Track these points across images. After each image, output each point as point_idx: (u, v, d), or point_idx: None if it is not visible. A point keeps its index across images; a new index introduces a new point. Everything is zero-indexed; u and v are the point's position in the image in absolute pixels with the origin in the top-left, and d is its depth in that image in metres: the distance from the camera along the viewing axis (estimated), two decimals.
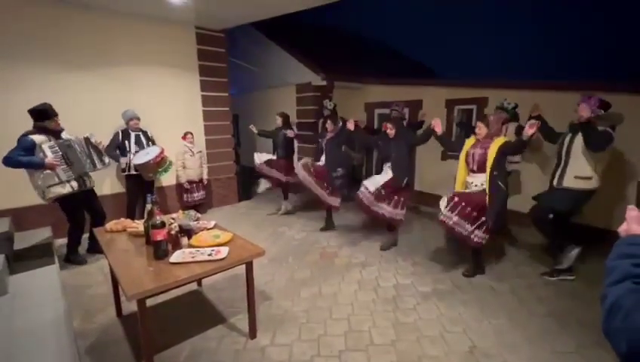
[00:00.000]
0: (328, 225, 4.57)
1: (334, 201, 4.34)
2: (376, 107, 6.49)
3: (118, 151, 4.17)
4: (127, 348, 2.27)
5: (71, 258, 3.57)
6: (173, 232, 2.15)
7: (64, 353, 1.66)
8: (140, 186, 4.23)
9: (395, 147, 3.68)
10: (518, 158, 3.96)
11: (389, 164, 3.77)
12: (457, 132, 5.43)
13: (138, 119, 4.27)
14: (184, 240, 2.21)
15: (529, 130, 2.71)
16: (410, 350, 2.22)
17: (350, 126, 4.00)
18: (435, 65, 11.91)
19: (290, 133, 4.87)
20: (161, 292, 1.90)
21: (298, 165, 4.41)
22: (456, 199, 3.00)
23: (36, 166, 3.07)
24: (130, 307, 2.61)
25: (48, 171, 3.10)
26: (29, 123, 3.20)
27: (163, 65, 4.99)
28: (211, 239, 2.22)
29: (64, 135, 3.37)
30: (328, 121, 4.46)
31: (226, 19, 5.14)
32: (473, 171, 3.05)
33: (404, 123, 4.78)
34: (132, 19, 4.60)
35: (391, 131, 3.67)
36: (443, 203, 3.11)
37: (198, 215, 2.70)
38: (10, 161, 2.99)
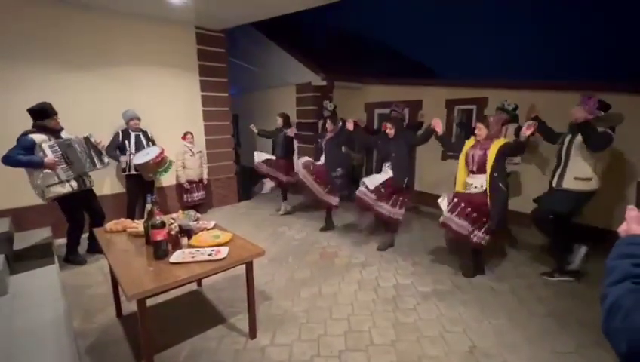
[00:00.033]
0: (328, 226, 4.57)
1: (332, 200, 4.34)
2: (376, 107, 6.49)
3: (118, 152, 4.18)
4: (127, 348, 2.27)
5: (70, 258, 3.57)
6: (173, 232, 2.15)
7: (64, 353, 1.66)
8: (140, 186, 4.23)
9: (395, 147, 3.68)
10: (518, 160, 3.96)
11: (388, 164, 3.77)
12: (457, 132, 5.43)
13: (138, 119, 4.27)
14: (184, 241, 2.21)
15: (526, 131, 2.71)
16: (410, 350, 2.22)
17: (349, 126, 4.00)
18: (435, 65, 11.91)
19: (290, 132, 4.87)
20: (161, 293, 1.90)
21: (298, 164, 4.41)
22: (456, 200, 3.00)
23: (36, 165, 3.06)
24: (130, 307, 2.61)
25: (48, 170, 3.10)
26: (28, 123, 3.20)
27: (163, 65, 4.99)
28: (211, 239, 2.22)
29: (63, 134, 3.37)
30: (328, 121, 4.46)
31: (226, 19, 5.14)
32: (473, 172, 3.05)
33: (404, 124, 4.78)
34: (132, 19, 4.60)
35: (390, 131, 3.67)
36: (443, 202, 3.11)
37: (198, 215, 2.70)
38: (10, 160, 2.98)
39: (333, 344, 2.28)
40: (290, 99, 6.82)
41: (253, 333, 2.32)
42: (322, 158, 4.45)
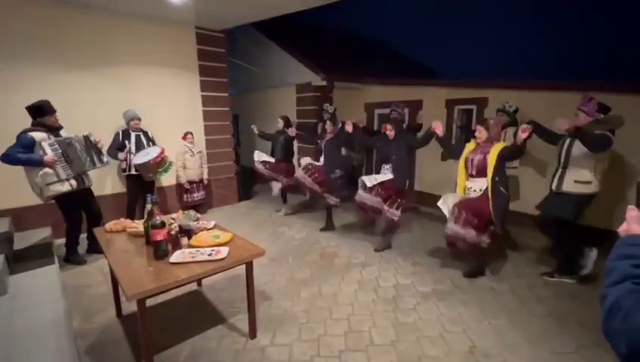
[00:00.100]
0: (328, 226, 4.57)
1: (331, 200, 4.35)
2: (376, 107, 6.49)
3: (118, 151, 4.18)
4: (127, 348, 2.27)
5: (70, 258, 3.57)
6: (173, 232, 2.15)
7: (64, 353, 1.66)
8: (141, 186, 4.24)
9: (395, 149, 3.66)
10: (516, 163, 3.96)
11: (388, 166, 3.76)
12: (458, 134, 5.43)
13: (139, 119, 4.28)
14: (184, 241, 2.21)
15: (522, 135, 2.72)
16: (410, 350, 2.22)
17: (348, 128, 3.99)
18: (435, 65, 11.91)
19: (291, 131, 4.87)
20: (161, 293, 1.90)
21: (299, 170, 4.47)
22: (456, 211, 2.98)
23: (35, 163, 3.06)
24: (130, 307, 2.61)
25: (47, 169, 3.10)
26: (28, 123, 3.20)
27: (163, 66, 4.99)
28: (211, 239, 2.22)
29: (63, 133, 3.37)
30: (328, 122, 4.46)
31: (226, 20, 5.13)
32: (472, 176, 3.04)
33: (404, 125, 4.79)
34: (132, 19, 4.60)
35: (390, 132, 3.66)
36: (444, 206, 3.09)
37: (198, 215, 2.70)
38: (9, 159, 2.98)
39: (333, 344, 2.28)
40: (290, 99, 6.82)
41: (253, 333, 2.32)
42: (322, 159, 4.46)
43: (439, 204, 3.14)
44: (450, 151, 3.56)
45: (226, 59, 5.76)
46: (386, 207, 3.70)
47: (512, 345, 2.26)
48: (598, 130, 2.72)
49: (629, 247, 0.74)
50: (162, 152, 4.06)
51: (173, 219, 2.43)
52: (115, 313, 2.63)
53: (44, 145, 3.10)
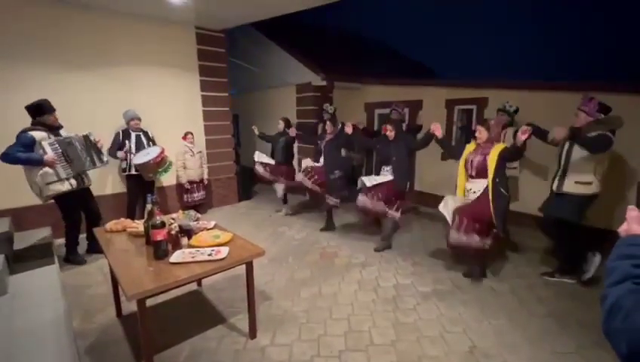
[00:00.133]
0: (328, 226, 4.57)
1: (331, 200, 4.35)
2: (376, 107, 6.49)
3: (119, 151, 4.18)
4: (127, 348, 2.27)
5: (70, 258, 3.57)
6: (173, 232, 2.15)
7: (64, 353, 1.66)
8: (141, 186, 4.24)
9: (395, 150, 3.65)
10: (516, 164, 3.96)
11: (388, 168, 3.74)
12: (458, 135, 5.42)
13: (139, 119, 4.28)
14: (184, 241, 2.21)
15: (522, 136, 2.72)
16: (410, 350, 2.22)
17: (348, 130, 3.98)
18: (435, 65, 11.91)
19: (292, 132, 4.86)
20: (161, 293, 1.90)
21: (299, 174, 4.50)
22: (457, 219, 2.97)
23: (35, 163, 3.06)
24: (129, 307, 2.61)
25: (47, 168, 3.10)
26: (28, 123, 3.20)
27: (163, 66, 4.99)
28: (211, 239, 2.22)
29: (63, 133, 3.37)
30: (327, 123, 4.46)
31: (226, 20, 5.14)
32: (472, 177, 3.03)
33: (404, 126, 4.78)
34: (132, 19, 4.60)
35: (391, 133, 3.65)
36: (445, 211, 3.07)
37: (198, 215, 2.70)
38: (8, 158, 2.97)
39: (333, 344, 2.28)
40: (290, 99, 6.82)
41: (253, 333, 2.32)
42: (321, 160, 4.46)
43: (440, 208, 3.13)
44: (451, 152, 3.55)
45: (226, 59, 5.76)
46: (388, 210, 3.69)
47: (512, 345, 2.25)
48: (599, 130, 2.71)
49: (630, 247, 0.74)
50: (162, 152, 4.06)
51: (173, 219, 2.43)
52: (115, 313, 2.63)
53: (44, 144, 3.10)
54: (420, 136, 4.38)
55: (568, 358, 2.14)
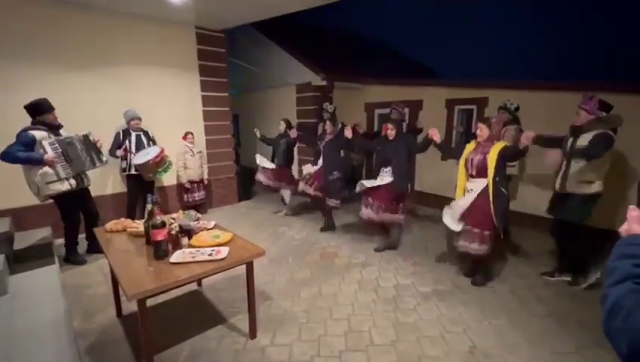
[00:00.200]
0: (328, 226, 4.56)
1: (332, 202, 4.36)
2: (376, 107, 6.50)
3: (119, 150, 4.19)
4: (127, 348, 2.27)
5: (70, 258, 3.57)
6: (173, 232, 2.15)
7: (64, 353, 1.66)
8: (141, 186, 4.24)
9: (395, 150, 3.61)
10: (514, 163, 3.96)
11: (387, 169, 3.70)
12: (458, 139, 5.42)
13: (139, 119, 4.28)
14: (184, 240, 2.21)
15: (524, 142, 2.72)
16: (411, 350, 2.22)
17: (348, 134, 3.96)
18: (435, 65, 11.92)
19: (292, 133, 4.86)
20: (162, 293, 1.90)
21: (301, 183, 4.52)
22: (464, 227, 2.98)
23: (35, 162, 3.06)
24: (130, 307, 2.61)
25: (47, 168, 3.10)
26: (28, 123, 3.20)
27: (163, 65, 4.99)
28: (211, 239, 2.22)
29: (63, 132, 3.37)
30: (327, 123, 4.45)
31: (226, 20, 5.14)
32: (472, 176, 3.01)
33: (405, 126, 4.78)
34: (132, 19, 4.60)
35: (392, 132, 3.62)
36: (448, 221, 3.06)
37: (198, 215, 2.70)
38: (8, 157, 2.97)
39: (333, 344, 2.28)
40: (290, 99, 6.82)
41: (253, 333, 2.32)
42: (320, 161, 4.44)
43: (444, 220, 3.11)
44: (450, 153, 3.54)
45: (226, 59, 5.76)
46: (389, 215, 3.68)
47: (512, 345, 2.25)
48: (600, 128, 2.71)
49: (630, 247, 0.74)
50: (162, 152, 4.06)
51: (173, 218, 2.44)
52: (116, 313, 2.63)
53: (45, 144, 3.10)
54: (420, 138, 4.38)
55: (568, 358, 2.14)
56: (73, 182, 3.30)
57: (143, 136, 4.28)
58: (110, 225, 2.57)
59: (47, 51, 4.04)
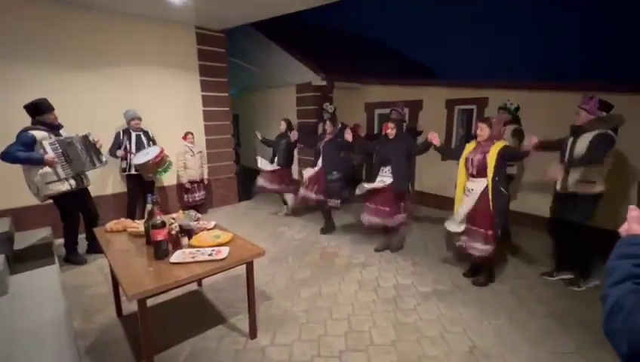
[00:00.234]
0: (328, 228, 4.54)
1: (332, 202, 4.35)
2: (376, 107, 6.50)
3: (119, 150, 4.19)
4: (128, 348, 2.27)
5: (70, 258, 3.57)
6: (173, 232, 2.15)
7: (64, 353, 1.66)
8: (141, 186, 4.24)
9: (394, 150, 3.61)
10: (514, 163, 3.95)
11: (386, 168, 3.69)
12: (458, 141, 5.41)
13: (139, 119, 4.28)
14: (184, 241, 2.21)
15: (528, 147, 2.73)
16: (411, 350, 2.22)
17: (348, 137, 3.95)
18: (435, 65, 11.91)
19: (293, 135, 4.86)
20: (162, 293, 1.90)
21: (302, 189, 4.50)
22: (463, 227, 2.98)
23: (34, 162, 3.06)
24: (130, 307, 2.61)
25: (47, 168, 3.10)
26: (28, 123, 3.20)
27: (163, 65, 4.99)
28: (212, 239, 2.22)
29: (63, 133, 3.37)
30: (327, 122, 4.44)
31: (226, 20, 5.14)
32: (473, 176, 3.00)
33: (404, 126, 4.77)
34: (132, 19, 4.60)
35: (392, 131, 3.61)
36: (453, 226, 3.06)
37: (199, 215, 2.70)
38: (8, 157, 2.97)
39: (333, 344, 2.28)
40: (290, 99, 6.82)
41: (253, 333, 2.32)
42: (320, 162, 4.43)
43: (448, 228, 3.12)
44: (451, 155, 3.48)
45: (226, 59, 5.76)
46: (391, 219, 3.67)
47: (512, 345, 2.25)
48: (601, 128, 2.71)
49: (630, 247, 0.74)
50: (161, 152, 4.06)
51: (173, 219, 2.44)
52: (116, 313, 2.63)
53: (45, 144, 3.10)
54: (419, 140, 4.37)
55: (568, 358, 2.14)
56: (73, 182, 3.30)
57: (143, 136, 4.28)
58: (110, 225, 2.58)
59: (47, 51, 4.04)
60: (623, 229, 0.79)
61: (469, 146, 3.08)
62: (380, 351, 2.21)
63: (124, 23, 4.56)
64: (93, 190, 3.79)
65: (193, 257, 2.01)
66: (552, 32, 13.04)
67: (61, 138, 3.26)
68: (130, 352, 2.22)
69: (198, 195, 5.25)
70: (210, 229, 2.48)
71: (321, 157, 4.43)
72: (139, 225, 2.45)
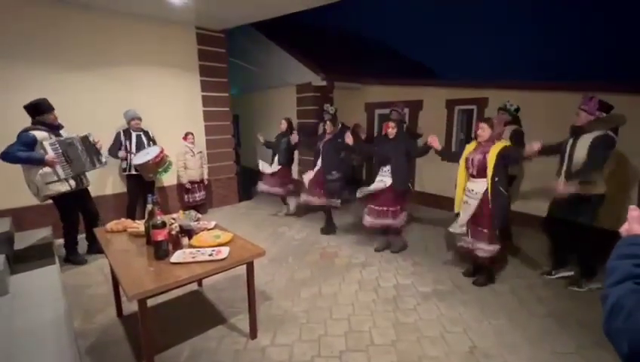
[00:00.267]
0: (329, 230, 4.51)
1: (331, 202, 4.35)
2: (376, 107, 6.50)
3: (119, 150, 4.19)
4: (128, 348, 2.27)
5: (71, 258, 3.57)
6: (173, 232, 2.15)
7: (64, 353, 1.66)
8: (141, 186, 4.23)
9: (394, 149, 3.60)
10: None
11: (386, 168, 3.67)
12: (458, 143, 5.41)
13: (140, 119, 4.28)
14: (185, 241, 2.21)
15: (530, 153, 2.73)
16: (411, 350, 2.22)
17: (349, 141, 3.91)
18: (435, 66, 11.92)
19: (293, 138, 4.87)
20: (162, 293, 1.90)
21: (303, 194, 4.50)
22: (465, 228, 2.98)
23: (35, 162, 3.06)
24: (130, 307, 2.61)
25: (47, 168, 3.10)
26: (28, 123, 3.20)
27: (163, 66, 4.99)
28: (212, 239, 2.22)
29: (63, 133, 3.37)
30: (328, 123, 4.43)
31: (226, 20, 5.14)
32: (473, 176, 2.98)
33: (404, 127, 4.76)
34: (132, 19, 4.60)
35: (392, 130, 3.60)
36: (456, 228, 3.07)
37: (199, 215, 2.70)
38: (9, 157, 2.97)
39: (333, 344, 2.29)
40: (291, 99, 6.82)
41: (253, 333, 2.32)
42: (319, 162, 4.43)
43: (452, 231, 3.12)
44: (452, 158, 3.45)
45: (227, 60, 5.76)
46: (391, 220, 3.67)
47: (513, 345, 2.26)
48: (600, 129, 2.70)
49: (630, 247, 0.74)
50: (161, 152, 4.06)
51: (173, 219, 2.44)
52: (116, 313, 2.63)
53: (45, 144, 3.11)
54: (419, 143, 4.35)
55: (568, 358, 2.14)
56: (72, 182, 3.30)
57: (143, 136, 4.28)
58: (111, 225, 2.58)
59: (47, 51, 4.04)
60: (624, 229, 0.79)
61: (470, 146, 3.07)
62: (380, 351, 2.21)
63: (124, 23, 4.56)
64: (93, 190, 3.79)
65: (193, 257, 2.01)
66: (552, 32, 13.07)
67: (61, 138, 3.26)
68: (130, 352, 2.22)
69: (199, 195, 5.26)
70: (211, 229, 2.48)
71: (320, 158, 4.43)
72: (139, 226, 2.45)
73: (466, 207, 3.01)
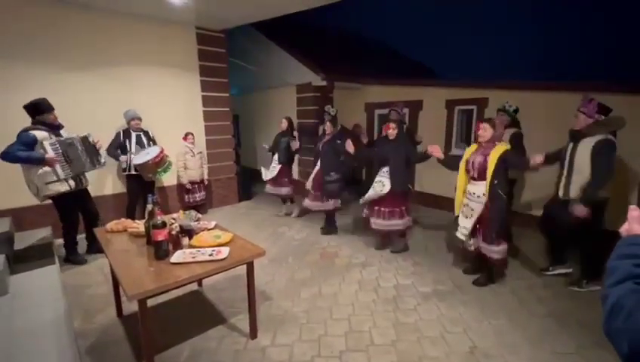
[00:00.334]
0: (329, 230, 4.49)
1: (330, 205, 4.35)
2: (376, 107, 6.49)
3: (119, 151, 4.19)
4: (128, 348, 2.27)
5: (71, 258, 3.57)
6: (174, 232, 2.15)
7: (64, 353, 1.66)
8: (141, 186, 4.23)
9: (394, 150, 3.58)
10: None
11: (385, 169, 3.66)
12: (459, 143, 5.40)
13: (139, 119, 4.28)
14: (185, 241, 2.21)
15: (534, 165, 2.73)
16: (411, 350, 2.22)
17: (349, 149, 3.88)
18: (435, 66, 11.92)
19: (293, 145, 4.86)
20: (162, 293, 1.90)
21: (306, 200, 4.52)
22: (476, 227, 2.98)
23: (35, 161, 3.06)
24: (130, 307, 2.61)
25: (46, 168, 3.10)
26: (28, 123, 3.20)
27: (163, 66, 4.99)
28: (212, 239, 2.22)
29: (63, 133, 3.38)
30: (328, 123, 4.41)
31: (226, 20, 5.14)
32: (474, 179, 2.95)
33: (405, 127, 4.75)
34: (132, 19, 4.60)
35: (393, 131, 3.59)
36: (460, 232, 3.06)
37: (199, 215, 2.70)
38: (9, 157, 2.97)
39: (333, 344, 2.29)
40: (291, 99, 6.81)
41: (253, 333, 2.32)
42: (319, 163, 4.40)
43: (458, 235, 3.10)
44: (454, 167, 3.40)
45: (227, 60, 5.76)
46: (397, 221, 3.67)
47: (513, 345, 2.26)
48: (600, 132, 2.69)
49: (631, 247, 0.74)
50: (161, 152, 4.06)
51: (174, 219, 2.44)
52: (116, 313, 2.63)
53: (45, 144, 3.11)
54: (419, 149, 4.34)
55: (568, 358, 2.14)
56: (72, 183, 3.30)
57: (143, 136, 4.28)
58: (111, 225, 2.58)
59: (47, 51, 4.04)
60: (624, 229, 0.79)
61: (470, 149, 3.05)
62: (381, 351, 2.21)
63: (124, 23, 4.56)
64: (93, 190, 3.79)
65: (194, 257, 2.01)
66: (552, 32, 13.07)
67: (61, 138, 3.26)
68: (130, 352, 2.22)
69: (199, 195, 5.26)
70: (211, 229, 2.48)
71: (319, 159, 4.42)
72: (139, 226, 2.45)
73: (469, 211, 2.98)
